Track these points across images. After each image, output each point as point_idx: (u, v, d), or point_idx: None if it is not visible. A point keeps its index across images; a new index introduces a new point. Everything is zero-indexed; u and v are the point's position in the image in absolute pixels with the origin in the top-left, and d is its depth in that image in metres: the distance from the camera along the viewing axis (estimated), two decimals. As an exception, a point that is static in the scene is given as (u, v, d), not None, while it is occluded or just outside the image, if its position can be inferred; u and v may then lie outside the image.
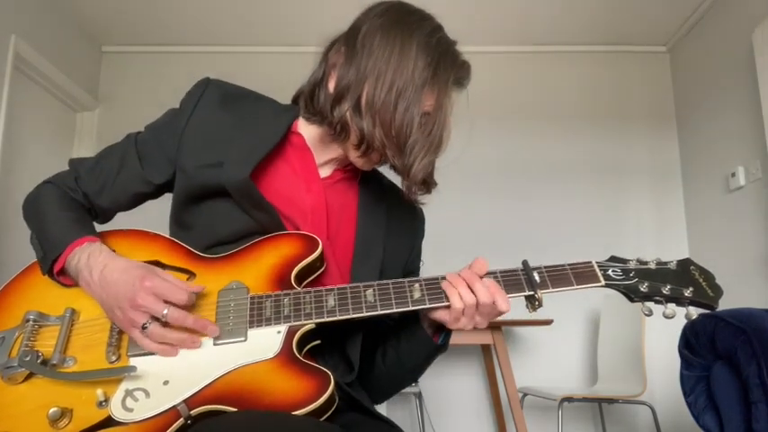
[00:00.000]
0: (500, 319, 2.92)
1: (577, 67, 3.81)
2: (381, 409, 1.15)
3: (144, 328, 0.79)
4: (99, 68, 3.84)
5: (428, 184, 0.92)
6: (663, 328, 3.36)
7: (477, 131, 3.73)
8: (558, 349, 3.45)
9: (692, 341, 2.07)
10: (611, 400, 2.81)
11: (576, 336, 3.47)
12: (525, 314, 3.29)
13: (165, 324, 0.80)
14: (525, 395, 3.04)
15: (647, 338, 2.86)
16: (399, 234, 1.03)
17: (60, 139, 3.58)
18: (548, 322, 2.90)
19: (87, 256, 0.85)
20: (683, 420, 2.93)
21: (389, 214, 1.03)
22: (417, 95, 0.88)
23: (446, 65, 0.91)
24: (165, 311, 0.79)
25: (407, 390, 3.03)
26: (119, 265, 0.83)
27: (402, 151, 0.88)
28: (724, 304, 2.64)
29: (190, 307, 0.83)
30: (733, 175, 3.07)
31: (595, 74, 3.80)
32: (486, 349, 3.38)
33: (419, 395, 3.18)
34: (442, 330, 0.94)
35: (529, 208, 3.51)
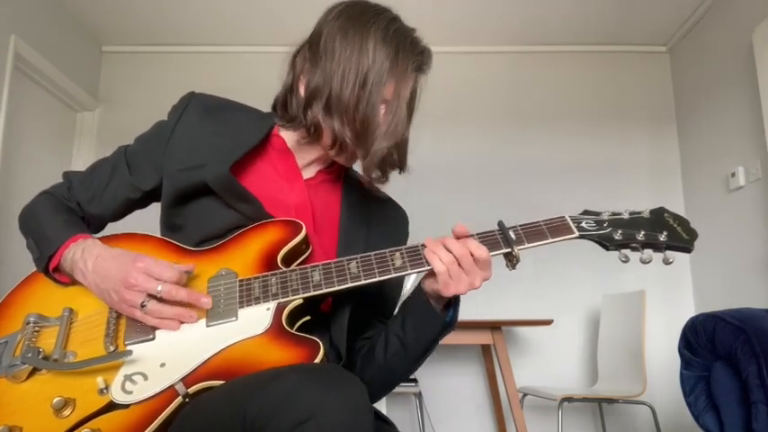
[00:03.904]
0: (500, 319, 2.94)
1: (577, 67, 3.81)
2: (381, 408, 1.14)
3: (143, 306, 0.84)
4: (99, 68, 3.84)
5: (385, 169, 0.97)
6: (663, 328, 3.37)
7: (476, 131, 3.74)
8: (558, 349, 3.45)
9: (691, 341, 2.07)
10: (611, 400, 2.81)
11: (576, 336, 3.47)
12: (525, 314, 3.29)
13: (161, 300, 0.84)
14: (525, 395, 3.04)
15: (647, 338, 2.86)
16: (383, 233, 1.06)
17: (60, 139, 3.59)
18: (548, 322, 2.90)
19: (82, 251, 0.90)
20: (683, 420, 2.93)
21: (372, 213, 1.07)
22: (378, 87, 0.93)
23: (404, 54, 0.95)
24: (160, 288, 0.83)
25: (407, 390, 3.02)
26: (112, 253, 0.89)
27: (364, 140, 0.93)
28: (724, 304, 2.64)
29: None
30: (733, 175, 3.07)
31: (595, 74, 3.80)
32: (486, 349, 3.38)
33: (419, 395, 3.18)
34: (449, 309, 0.96)
35: (528, 208, 3.50)
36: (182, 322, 0.86)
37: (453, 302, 0.95)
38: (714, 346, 1.99)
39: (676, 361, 2.18)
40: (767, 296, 2.79)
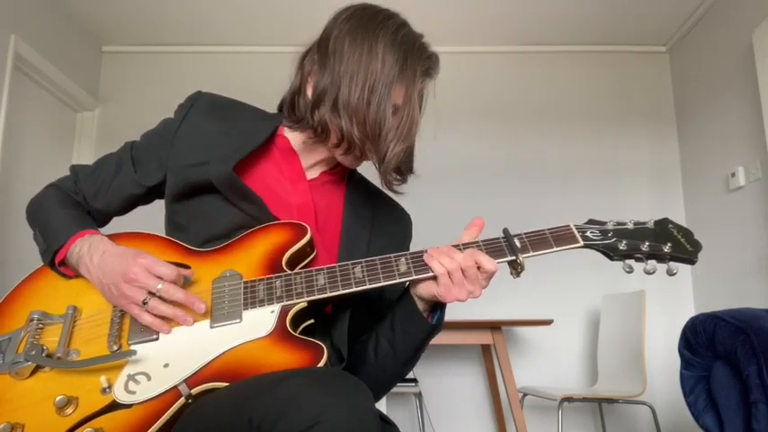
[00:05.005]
0: (500, 318, 2.94)
1: (577, 67, 3.81)
2: (381, 408, 1.14)
3: (144, 303, 0.85)
4: (99, 68, 3.84)
5: (402, 171, 0.98)
6: (663, 328, 3.38)
7: (477, 131, 3.74)
8: (558, 349, 3.45)
9: (691, 341, 2.07)
10: (611, 400, 2.81)
11: (576, 336, 3.47)
12: (525, 314, 3.28)
13: (160, 299, 0.85)
14: (525, 395, 3.05)
15: (647, 338, 2.86)
16: (385, 234, 1.07)
17: (60, 139, 3.58)
18: (548, 322, 2.90)
19: (89, 246, 0.91)
20: (683, 420, 2.93)
21: (375, 215, 1.07)
22: (388, 91, 0.94)
23: (413, 59, 0.96)
24: (159, 286, 0.84)
25: (407, 390, 3.03)
26: (117, 250, 0.90)
27: (377, 144, 0.94)
28: (724, 304, 2.64)
29: None
30: (733, 175, 3.07)
31: (595, 74, 3.80)
32: (486, 349, 3.38)
33: (419, 395, 3.18)
34: (436, 311, 0.96)
35: (528, 208, 3.51)
36: (177, 324, 0.86)
37: (440, 305, 0.95)
38: (714, 346, 1.99)
39: (676, 361, 2.18)
40: (767, 296, 2.79)
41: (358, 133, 0.93)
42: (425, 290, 0.91)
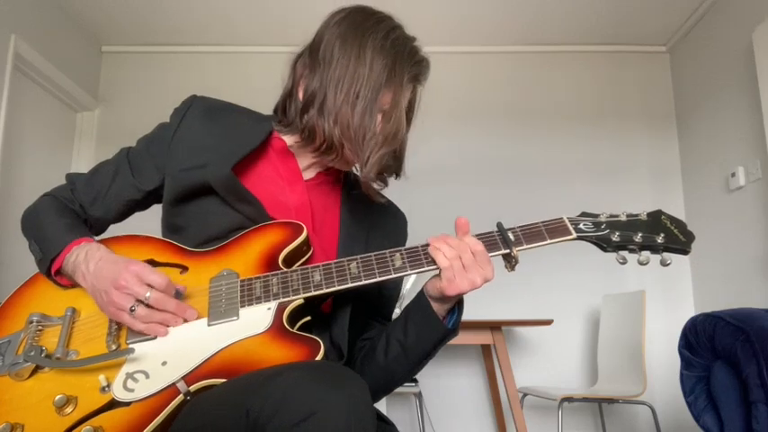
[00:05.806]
0: (500, 318, 2.94)
1: (577, 67, 3.81)
2: (381, 408, 1.15)
3: (132, 310, 0.85)
4: (99, 68, 3.85)
5: (383, 177, 0.99)
6: (663, 328, 3.38)
7: (477, 131, 3.74)
8: (558, 349, 3.45)
9: (691, 341, 2.07)
10: (611, 400, 2.81)
11: (576, 336, 3.47)
12: (525, 314, 3.28)
13: (149, 306, 0.85)
14: (525, 395, 3.05)
15: (647, 338, 2.86)
16: (383, 234, 1.07)
17: (60, 139, 3.59)
18: (548, 322, 2.90)
19: (85, 254, 0.91)
20: (683, 420, 2.93)
21: (371, 215, 1.08)
22: (374, 96, 0.94)
23: (402, 65, 0.97)
24: (148, 294, 0.84)
25: (407, 390, 3.03)
26: (113, 258, 0.90)
27: (359, 148, 0.94)
28: (724, 304, 2.64)
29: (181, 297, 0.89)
30: (733, 175, 3.07)
31: (595, 74, 3.81)
32: (486, 349, 3.38)
33: (419, 395, 3.18)
34: (452, 314, 0.96)
35: (528, 208, 3.51)
36: (168, 326, 0.87)
37: (456, 309, 0.96)
38: (714, 346, 1.99)
39: (676, 361, 2.18)
40: (767, 296, 2.79)
41: (338, 135, 0.94)
42: (431, 286, 0.91)
